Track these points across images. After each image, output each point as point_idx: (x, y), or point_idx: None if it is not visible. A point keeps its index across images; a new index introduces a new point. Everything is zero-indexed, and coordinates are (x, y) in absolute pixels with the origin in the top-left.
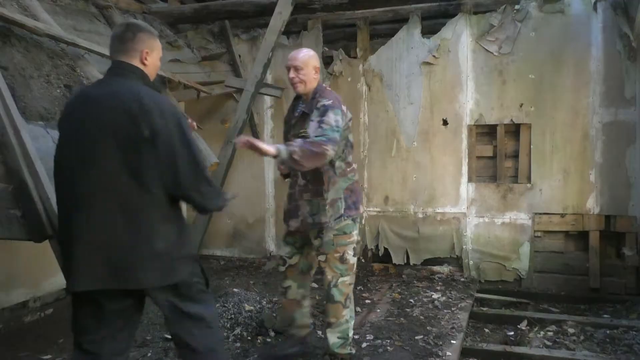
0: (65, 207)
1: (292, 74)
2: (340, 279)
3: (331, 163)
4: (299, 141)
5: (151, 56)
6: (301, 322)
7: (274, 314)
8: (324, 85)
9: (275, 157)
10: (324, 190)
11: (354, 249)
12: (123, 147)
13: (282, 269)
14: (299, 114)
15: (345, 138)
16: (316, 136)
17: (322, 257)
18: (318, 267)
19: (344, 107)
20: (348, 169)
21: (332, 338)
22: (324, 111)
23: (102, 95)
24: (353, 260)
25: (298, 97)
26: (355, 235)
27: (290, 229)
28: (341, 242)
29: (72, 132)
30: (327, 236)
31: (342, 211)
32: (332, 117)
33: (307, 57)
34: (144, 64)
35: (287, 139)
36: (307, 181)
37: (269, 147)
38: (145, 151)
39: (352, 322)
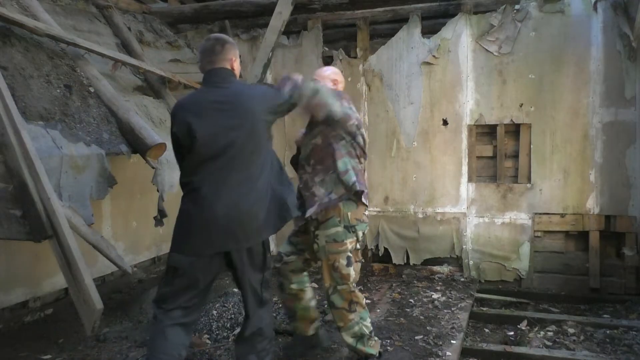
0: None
1: None
2: (339, 287)
3: (329, 141)
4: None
5: (236, 62)
6: (303, 314)
7: (275, 314)
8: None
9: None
10: (334, 163)
11: (349, 257)
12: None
13: (277, 265)
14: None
15: (351, 133)
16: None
17: (319, 263)
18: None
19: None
20: (356, 152)
21: (347, 339)
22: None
23: (228, 94)
24: (347, 270)
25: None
26: (349, 244)
27: (298, 228)
28: (332, 250)
29: (210, 128)
30: (321, 243)
31: (353, 178)
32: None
33: (329, 73)
34: (232, 68)
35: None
36: (314, 166)
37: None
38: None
39: (367, 320)
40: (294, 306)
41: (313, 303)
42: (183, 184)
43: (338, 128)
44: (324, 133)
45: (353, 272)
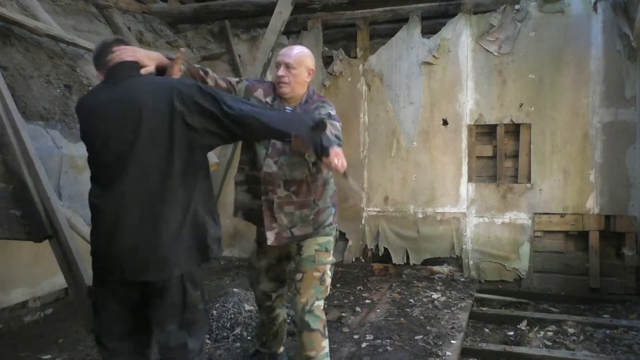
0: None
1: (282, 72)
2: (316, 303)
3: (319, 171)
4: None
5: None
6: (282, 334)
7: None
8: (312, 88)
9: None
10: (312, 202)
11: (331, 269)
12: None
13: (268, 303)
14: None
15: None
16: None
17: (298, 276)
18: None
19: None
20: (330, 174)
21: None
22: (329, 115)
23: (124, 89)
24: (329, 282)
25: (274, 99)
26: (332, 255)
27: (262, 247)
28: (322, 260)
29: (101, 133)
30: (308, 252)
31: (330, 219)
32: (337, 124)
33: (302, 55)
34: (138, 61)
35: (264, 143)
36: (291, 193)
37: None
38: None
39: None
40: (278, 329)
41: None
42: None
43: None
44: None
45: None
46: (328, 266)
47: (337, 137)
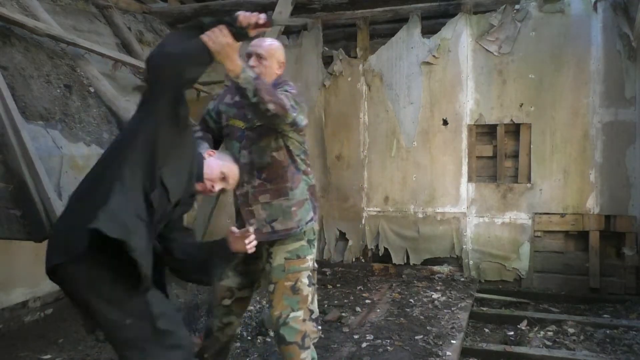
0: None
1: (253, 62)
2: (292, 315)
3: (292, 157)
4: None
5: None
6: (225, 357)
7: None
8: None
9: (236, 76)
10: (288, 189)
11: (310, 277)
12: None
13: (228, 302)
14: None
15: (302, 142)
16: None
17: (270, 287)
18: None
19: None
20: (309, 169)
21: None
22: (288, 90)
23: None
24: (308, 290)
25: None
26: (310, 261)
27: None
28: (294, 268)
29: None
30: (278, 260)
31: (311, 214)
32: (292, 96)
33: (273, 47)
34: None
35: (237, 136)
36: (263, 180)
37: (237, 60)
38: None
39: None
40: (225, 345)
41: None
42: None
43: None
44: (283, 143)
45: (311, 295)
46: (304, 273)
47: (292, 107)
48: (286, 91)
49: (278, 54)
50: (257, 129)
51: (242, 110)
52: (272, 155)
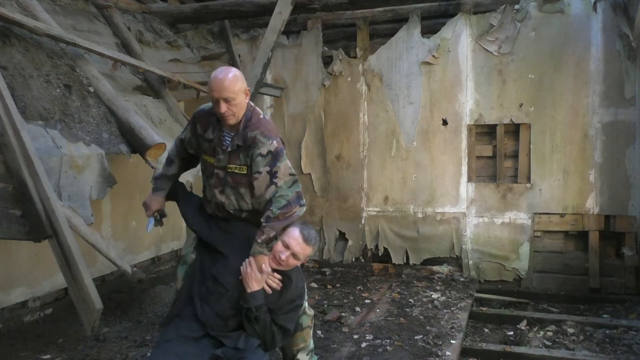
0: None
1: (224, 108)
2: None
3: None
4: (268, 224)
5: None
6: None
7: None
8: (250, 103)
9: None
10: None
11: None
12: None
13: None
14: (229, 147)
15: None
16: (277, 207)
17: None
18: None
19: (279, 139)
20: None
21: None
22: (273, 160)
23: None
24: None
25: (214, 131)
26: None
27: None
28: None
29: None
30: None
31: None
32: (282, 167)
33: (235, 81)
34: None
35: (209, 172)
36: (244, 218)
37: (263, 265)
38: None
39: None
40: None
41: None
42: None
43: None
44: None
45: None
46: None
47: (288, 181)
48: (273, 174)
49: (240, 85)
50: (229, 173)
51: (212, 144)
52: (248, 203)
